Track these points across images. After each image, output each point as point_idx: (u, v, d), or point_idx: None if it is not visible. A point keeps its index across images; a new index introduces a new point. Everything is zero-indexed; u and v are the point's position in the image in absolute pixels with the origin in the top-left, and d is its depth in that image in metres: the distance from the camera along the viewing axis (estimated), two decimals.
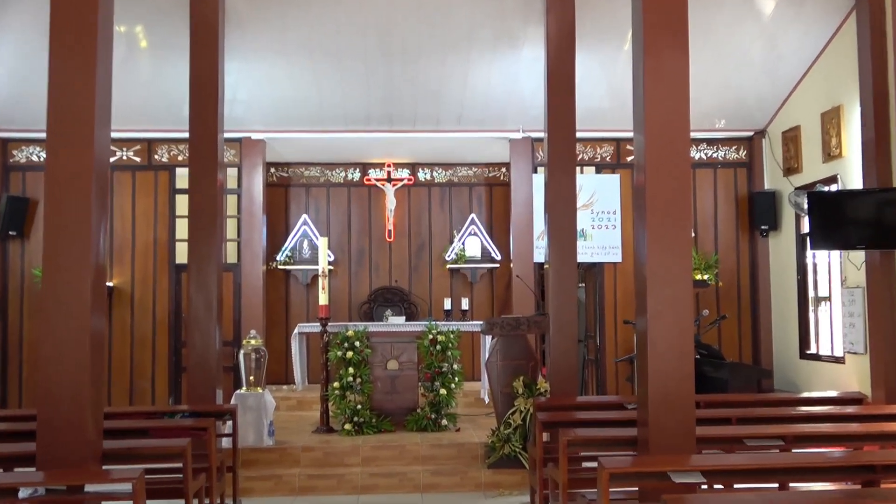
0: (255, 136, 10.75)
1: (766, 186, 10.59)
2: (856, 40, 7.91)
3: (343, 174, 12.02)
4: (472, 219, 11.85)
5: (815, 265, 9.65)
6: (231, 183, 11.00)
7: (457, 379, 8.72)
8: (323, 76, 9.54)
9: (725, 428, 5.49)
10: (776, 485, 5.04)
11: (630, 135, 9.95)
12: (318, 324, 8.81)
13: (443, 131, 10.68)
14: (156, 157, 10.80)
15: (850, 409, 6.41)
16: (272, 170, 11.87)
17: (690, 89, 4.72)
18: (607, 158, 10.98)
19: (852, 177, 8.42)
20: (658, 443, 4.55)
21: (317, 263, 10.16)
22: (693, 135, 9.16)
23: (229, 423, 7.07)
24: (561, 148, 7.44)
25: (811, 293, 9.66)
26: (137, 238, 10.72)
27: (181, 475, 5.32)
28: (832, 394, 7.94)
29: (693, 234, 10.67)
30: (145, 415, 6.61)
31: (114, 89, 5.00)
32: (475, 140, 10.90)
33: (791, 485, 5.11)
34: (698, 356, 8.86)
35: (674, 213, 4.66)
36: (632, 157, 10.61)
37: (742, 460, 4.61)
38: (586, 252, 10.69)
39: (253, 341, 8.18)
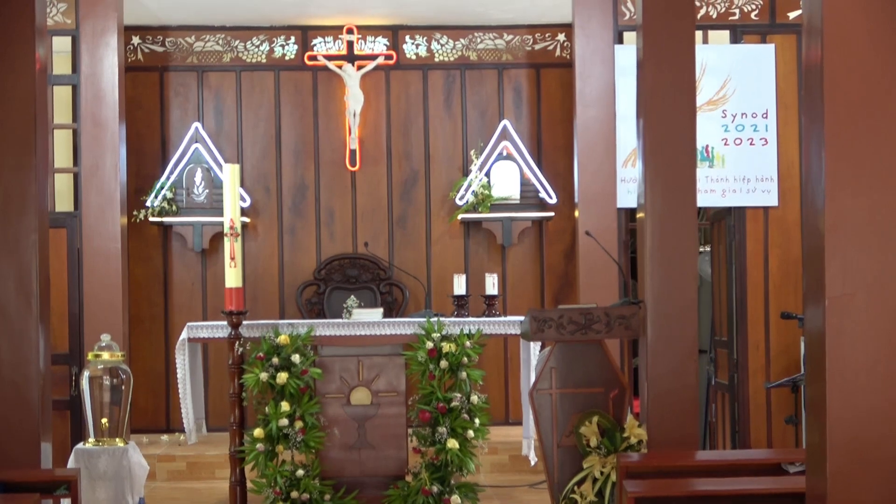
0: None
1: None
2: None
3: (266, 48, 11.96)
4: (505, 128, 11.81)
5: None
6: (61, 65, 10.92)
7: (478, 421, 8.75)
8: None
9: None
10: None
11: None
12: (225, 323, 8.83)
13: None
14: None
15: None
16: (136, 40, 11.82)
17: None
18: (753, 15, 10.87)
19: None
20: None
21: (220, 213, 10.13)
22: None
23: (66, 502, 7.10)
24: None
25: None
26: None
27: None
28: None
29: None
30: None
31: None
32: None
33: None
34: None
35: (875, 115, 4.61)
36: (798, 13, 10.50)
37: None
38: (715, 189, 10.65)
39: (106, 355, 8.19)
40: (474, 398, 8.76)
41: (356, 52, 11.89)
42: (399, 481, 8.78)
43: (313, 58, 11.90)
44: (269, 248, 11.93)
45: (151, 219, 11.53)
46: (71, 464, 7.90)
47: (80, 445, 8.10)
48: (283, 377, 8.57)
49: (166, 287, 11.86)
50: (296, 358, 8.63)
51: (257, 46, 11.94)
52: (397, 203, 12.00)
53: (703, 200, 10.25)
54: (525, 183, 11.72)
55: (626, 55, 10.46)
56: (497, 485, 9.65)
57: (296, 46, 11.95)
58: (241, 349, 8.79)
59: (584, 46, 10.87)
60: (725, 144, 10.73)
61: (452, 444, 8.61)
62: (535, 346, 9.11)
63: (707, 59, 10.54)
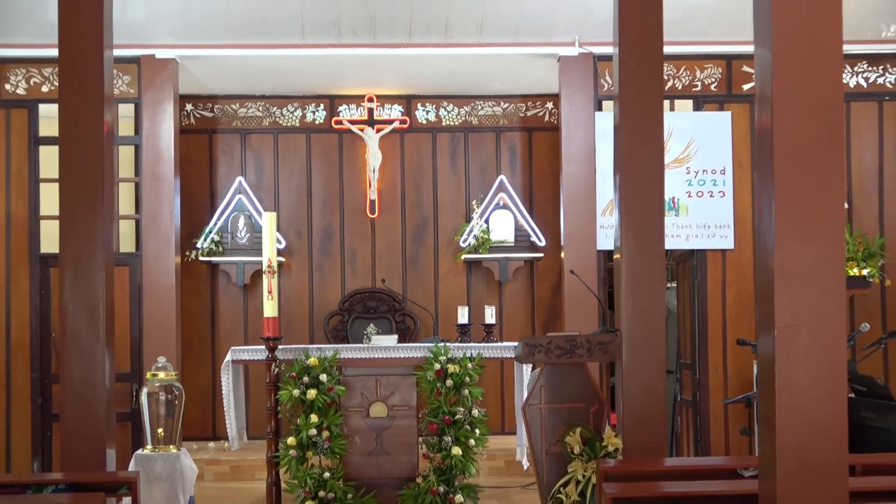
0: (162, 53, 10.74)
1: None
2: None
3: (299, 113, 12.03)
4: (502, 182, 11.85)
5: None
6: (125, 128, 10.99)
7: (478, 432, 8.74)
8: None
9: None
10: None
11: (749, 49, 9.88)
12: (263, 347, 8.86)
13: (455, 45, 10.63)
14: (7, 86, 10.80)
15: None
16: (189, 107, 11.90)
17: None
18: (712, 87, 10.91)
19: None
20: None
21: (259, 253, 10.16)
22: (847, 49, 9.09)
23: (127, 500, 7.10)
24: (640, 70, 7.39)
25: None
26: None
27: None
28: None
29: (846, 206, 10.61)
30: None
31: None
32: (505, 59, 10.86)
33: None
34: (854, 395, 8.86)
35: (817, 173, 4.64)
36: (751, 85, 10.54)
37: None
38: (680, 234, 10.65)
39: (162, 374, 8.19)
40: (475, 412, 8.74)
41: (375, 118, 11.95)
42: (411, 483, 8.75)
43: (339, 122, 11.96)
44: (300, 283, 11.95)
45: (201, 258, 11.57)
46: (131, 467, 7.91)
47: (139, 451, 8.10)
48: (312, 393, 8.58)
49: (213, 316, 11.88)
50: (323, 377, 8.64)
51: (292, 112, 12.00)
52: (410, 245, 12.02)
53: (669, 244, 10.26)
54: (519, 229, 11.75)
55: (605, 121, 10.49)
56: (494, 486, 9.64)
57: (324, 112, 12.01)
58: (276, 370, 8.80)
59: (568, 113, 10.90)
60: (689, 196, 10.74)
61: (456, 450, 8.59)
62: (527, 368, 9.09)
63: (673, 124, 10.56)
